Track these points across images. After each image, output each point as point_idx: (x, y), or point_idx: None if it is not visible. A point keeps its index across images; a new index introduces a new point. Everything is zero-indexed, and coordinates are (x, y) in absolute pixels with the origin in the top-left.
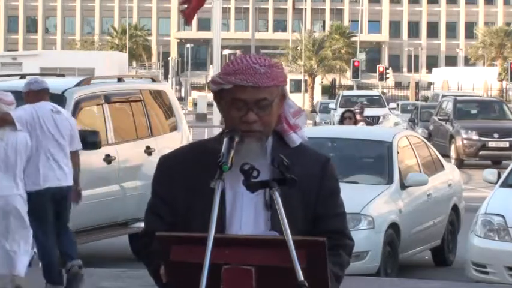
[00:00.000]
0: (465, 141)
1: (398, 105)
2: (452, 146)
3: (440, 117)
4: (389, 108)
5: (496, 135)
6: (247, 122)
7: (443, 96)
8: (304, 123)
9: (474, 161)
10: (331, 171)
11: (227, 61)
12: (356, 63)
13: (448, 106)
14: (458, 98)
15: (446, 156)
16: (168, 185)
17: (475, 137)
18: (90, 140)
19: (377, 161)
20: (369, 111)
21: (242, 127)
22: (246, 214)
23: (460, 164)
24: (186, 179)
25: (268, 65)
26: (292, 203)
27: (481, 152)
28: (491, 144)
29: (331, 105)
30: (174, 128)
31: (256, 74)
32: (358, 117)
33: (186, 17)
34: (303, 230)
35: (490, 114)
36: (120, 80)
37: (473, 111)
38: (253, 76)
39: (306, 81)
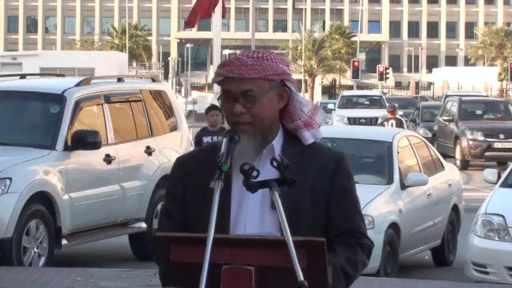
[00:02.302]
0: (470, 142)
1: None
2: (458, 147)
3: (444, 118)
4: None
5: (501, 136)
6: (235, 114)
7: (447, 96)
8: (321, 120)
9: (479, 162)
10: (343, 167)
11: None
12: (356, 63)
13: (453, 106)
14: (463, 98)
15: (451, 157)
16: (180, 185)
17: (481, 138)
18: (90, 140)
19: (377, 161)
20: (367, 112)
21: (231, 119)
22: (251, 215)
23: (466, 165)
24: (198, 179)
25: (257, 57)
26: (303, 203)
27: (487, 153)
28: (497, 145)
29: (330, 106)
30: (174, 128)
31: (241, 66)
32: (389, 115)
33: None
34: (313, 232)
35: (495, 115)
36: (120, 80)
37: (478, 112)
38: (239, 67)
39: (306, 81)
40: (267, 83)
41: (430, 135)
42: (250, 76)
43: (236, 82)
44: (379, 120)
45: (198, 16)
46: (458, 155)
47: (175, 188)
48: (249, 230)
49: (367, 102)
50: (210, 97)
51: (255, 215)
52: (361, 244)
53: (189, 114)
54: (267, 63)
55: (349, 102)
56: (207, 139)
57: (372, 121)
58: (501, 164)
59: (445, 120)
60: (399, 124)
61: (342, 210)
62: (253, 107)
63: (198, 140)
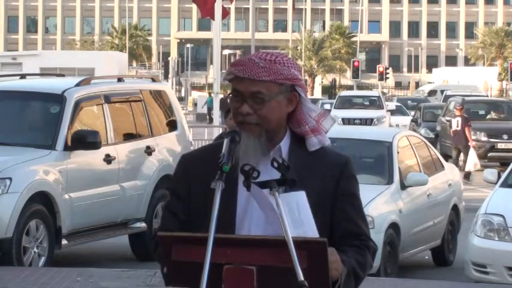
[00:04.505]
0: (473, 143)
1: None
2: None
3: (447, 118)
4: (387, 110)
5: (505, 137)
6: (241, 114)
7: (447, 96)
8: (329, 125)
9: (483, 162)
10: (349, 171)
11: (227, 61)
12: (356, 63)
13: (456, 106)
14: (466, 98)
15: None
16: (185, 183)
17: (484, 138)
18: (90, 140)
19: (377, 161)
20: (362, 113)
21: (238, 118)
22: (257, 215)
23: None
24: (202, 177)
25: (270, 60)
26: (311, 205)
27: (490, 154)
28: (501, 145)
29: (327, 106)
30: (174, 128)
31: (253, 67)
32: (457, 112)
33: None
34: (320, 233)
35: (498, 115)
36: (120, 80)
37: (481, 112)
38: (251, 68)
39: (306, 81)
40: (276, 87)
41: (431, 135)
42: (261, 78)
43: (246, 83)
44: (448, 119)
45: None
46: (461, 155)
47: (179, 186)
48: (254, 230)
49: (366, 103)
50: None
51: (261, 216)
52: (367, 247)
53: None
54: (279, 67)
55: (346, 103)
56: None
57: (366, 122)
58: (504, 164)
59: (447, 121)
60: (465, 121)
61: (347, 214)
62: (260, 109)
63: None
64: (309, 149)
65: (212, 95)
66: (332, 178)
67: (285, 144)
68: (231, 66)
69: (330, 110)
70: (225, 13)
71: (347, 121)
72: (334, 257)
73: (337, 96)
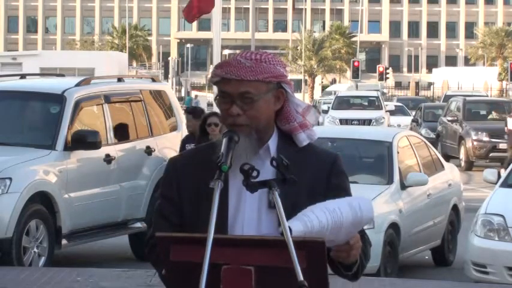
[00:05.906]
0: (475, 143)
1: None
2: (462, 148)
3: (449, 118)
4: (386, 111)
5: (506, 137)
6: (231, 115)
7: (447, 96)
8: (314, 119)
9: (484, 162)
10: (337, 167)
11: None
12: (356, 63)
13: (457, 107)
14: (467, 98)
15: (455, 157)
16: (175, 186)
17: (485, 139)
18: (90, 140)
19: (377, 161)
20: (360, 113)
21: (228, 120)
22: (248, 215)
23: (470, 166)
24: (193, 180)
25: (255, 59)
26: (301, 204)
27: (492, 154)
28: (502, 145)
29: (324, 107)
30: (174, 128)
31: (240, 67)
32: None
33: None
34: None
35: (500, 115)
36: (120, 80)
37: (483, 112)
38: (237, 69)
39: (306, 81)
40: (264, 85)
41: (432, 135)
42: (248, 78)
43: (233, 84)
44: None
45: (196, 11)
46: (462, 155)
47: (170, 189)
48: (246, 230)
49: (364, 103)
50: (210, 97)
51: (253, 215)
52: (364, 238)
53: None
54: (265, 66)
55: (344, 103)
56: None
57: (364, 123)
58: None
59: (449, 121)
60: None
61: None
62: (250, 109)
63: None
64: (298, 145)
65: (191, 94)
66: (322, 175)
67: (273, 143)
68: (217, 68)
69: (312, 106)
70: (193, 14)
71: (345, 122)
72: (356, 239)
73: (335, 97)
